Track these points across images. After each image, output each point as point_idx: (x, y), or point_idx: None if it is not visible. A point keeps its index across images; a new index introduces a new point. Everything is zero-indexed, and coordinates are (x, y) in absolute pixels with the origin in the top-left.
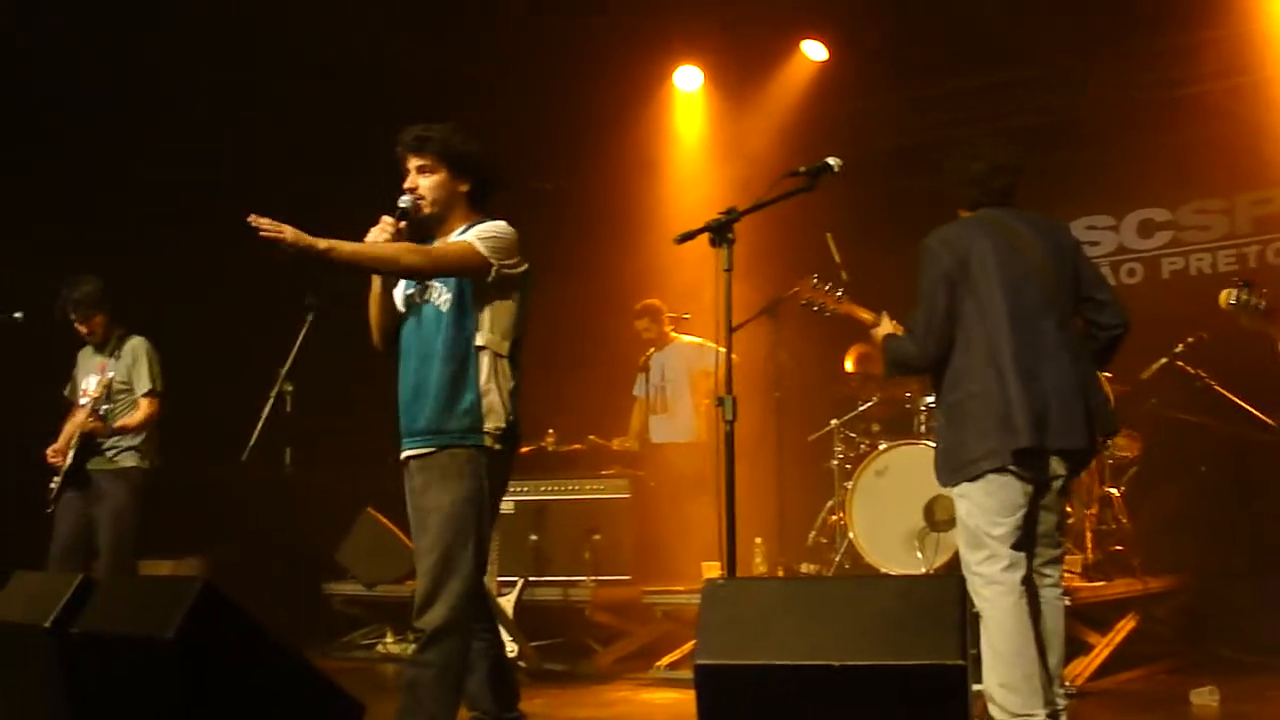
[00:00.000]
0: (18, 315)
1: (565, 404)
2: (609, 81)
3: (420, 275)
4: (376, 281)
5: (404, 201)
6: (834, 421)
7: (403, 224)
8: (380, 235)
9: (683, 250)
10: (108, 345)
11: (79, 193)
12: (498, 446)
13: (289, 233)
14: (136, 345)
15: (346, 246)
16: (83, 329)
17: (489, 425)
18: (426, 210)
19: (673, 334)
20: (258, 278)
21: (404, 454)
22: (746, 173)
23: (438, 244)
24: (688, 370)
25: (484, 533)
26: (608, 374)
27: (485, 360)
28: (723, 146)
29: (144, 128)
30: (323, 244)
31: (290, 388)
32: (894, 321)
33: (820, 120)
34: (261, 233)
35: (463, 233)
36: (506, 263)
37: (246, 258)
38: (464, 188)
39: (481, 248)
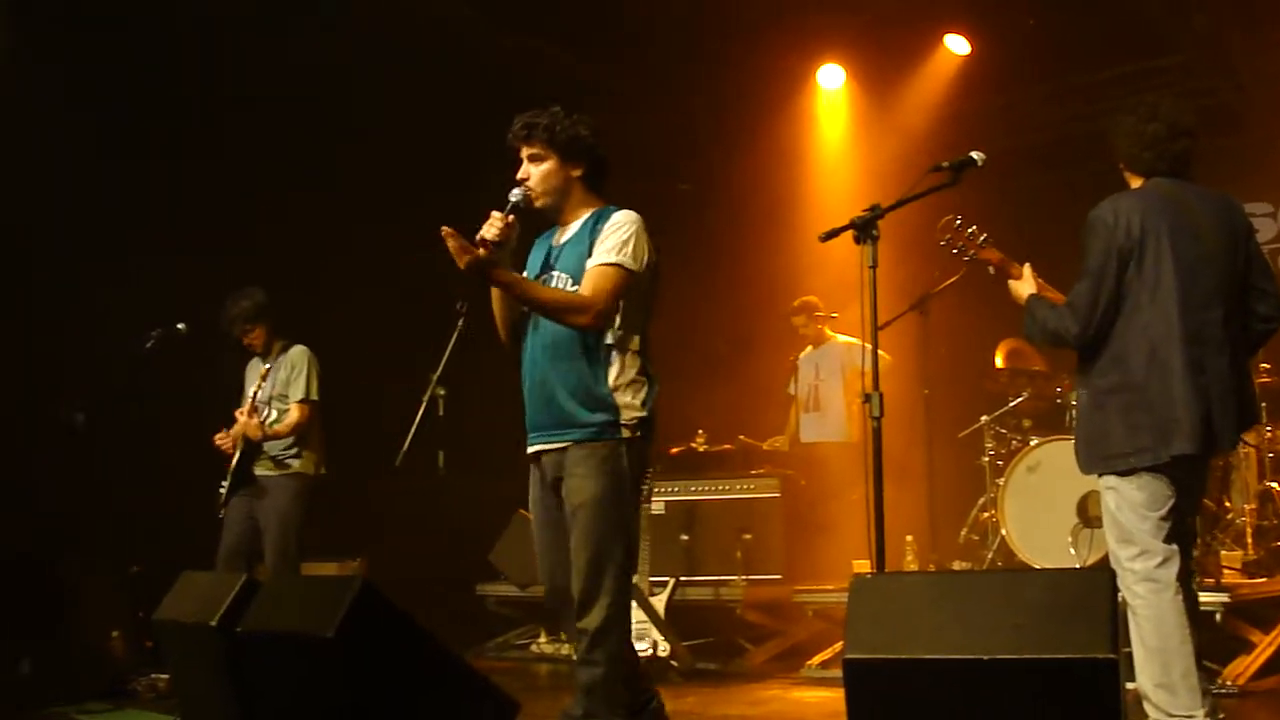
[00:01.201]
0: (181, 326)
1: (715, 404)
2: (751, 81)
3: (588, 329)
4: (495, 287)
5: (515, 195)
6: (984, 418)
7: (511, 218)
8: (489, 231)
9: (828, 248)
10: (270, 355)
11: (239, 201)
12: (637, 434)
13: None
14: (296, 355)
15: (519, 281)
16: (245, 341)
17: (625, 418)
18: (539, 202)
19: (828, 332)
20: (409, 282)
21: (534, 448)
22: (890, 169)
23: (585, 288)
24: (841, 369)
25: (631, 524)
26: (757, 374)
27: (614, 357)
28: (866, 143)
29: (296, 135)
30: (502, 273)
31: (442, 392)
32: (1037, 275)
33: (964, 115)
34: (448, 234)
35: (591, 226)
36: (648, 258)
37: (400, 262)
38: (577, 172)
39: (628, 263)
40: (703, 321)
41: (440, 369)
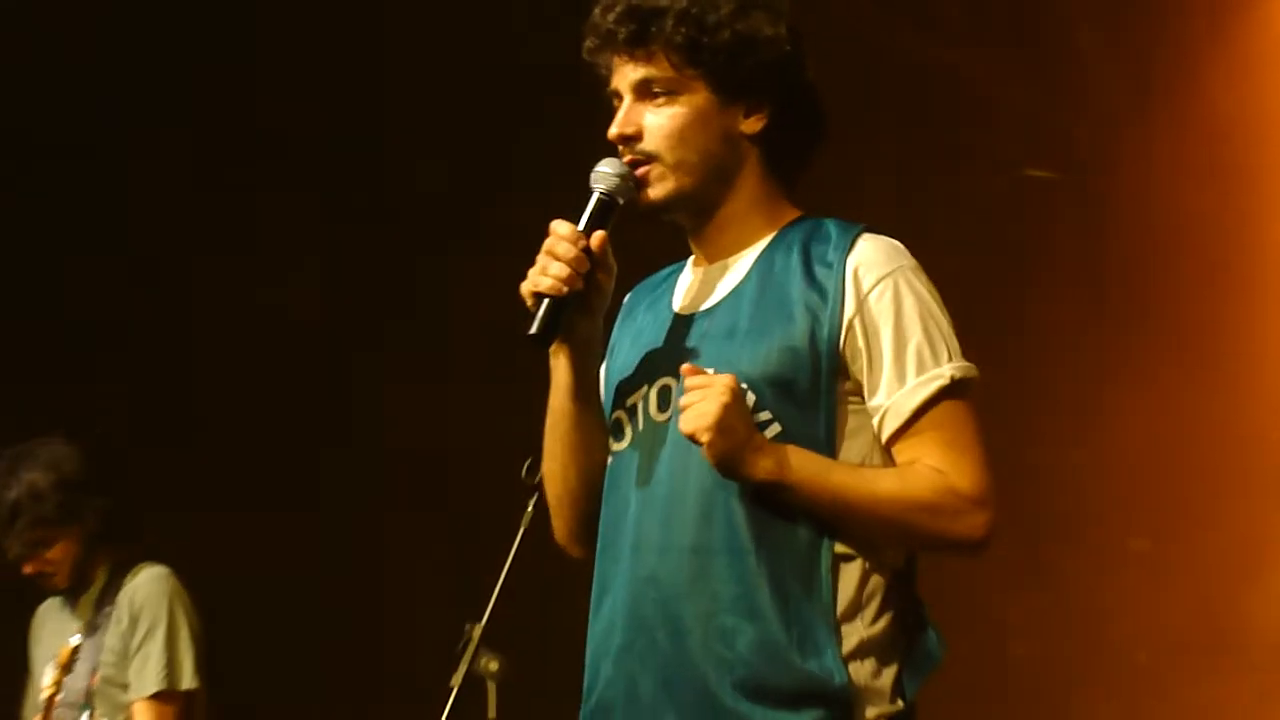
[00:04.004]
0: None
1: None
2: None
3: (979, 548)
4: (560, 394)
5: (603, 177)
6: None
7: (599, 235)
8: (543, 276)
9: None
10: (85, 594)
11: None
12: None
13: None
14: (142, 592)
15: (835, 482)
16: (28, 569)
17: (868, 715)
18: (658, 191)
19: None
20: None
21: None
22: None
23: (937, 453)
24: None
25: None
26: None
27: (854, 574)
28: None
29: None
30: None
31: (495, 666)
32: None
33: None
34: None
35: (779, 253)
36: None
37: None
38: (753, 125)
39: (967, 367)
40: (1090, 444)
41: (488, 612)
